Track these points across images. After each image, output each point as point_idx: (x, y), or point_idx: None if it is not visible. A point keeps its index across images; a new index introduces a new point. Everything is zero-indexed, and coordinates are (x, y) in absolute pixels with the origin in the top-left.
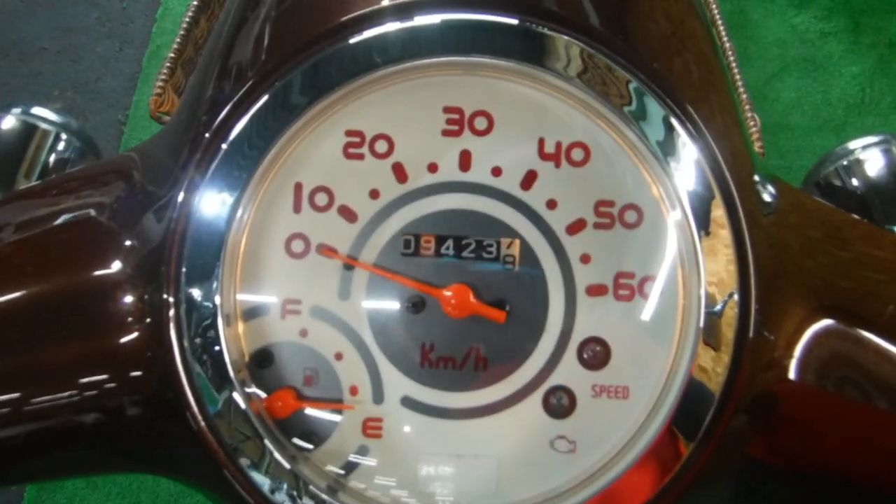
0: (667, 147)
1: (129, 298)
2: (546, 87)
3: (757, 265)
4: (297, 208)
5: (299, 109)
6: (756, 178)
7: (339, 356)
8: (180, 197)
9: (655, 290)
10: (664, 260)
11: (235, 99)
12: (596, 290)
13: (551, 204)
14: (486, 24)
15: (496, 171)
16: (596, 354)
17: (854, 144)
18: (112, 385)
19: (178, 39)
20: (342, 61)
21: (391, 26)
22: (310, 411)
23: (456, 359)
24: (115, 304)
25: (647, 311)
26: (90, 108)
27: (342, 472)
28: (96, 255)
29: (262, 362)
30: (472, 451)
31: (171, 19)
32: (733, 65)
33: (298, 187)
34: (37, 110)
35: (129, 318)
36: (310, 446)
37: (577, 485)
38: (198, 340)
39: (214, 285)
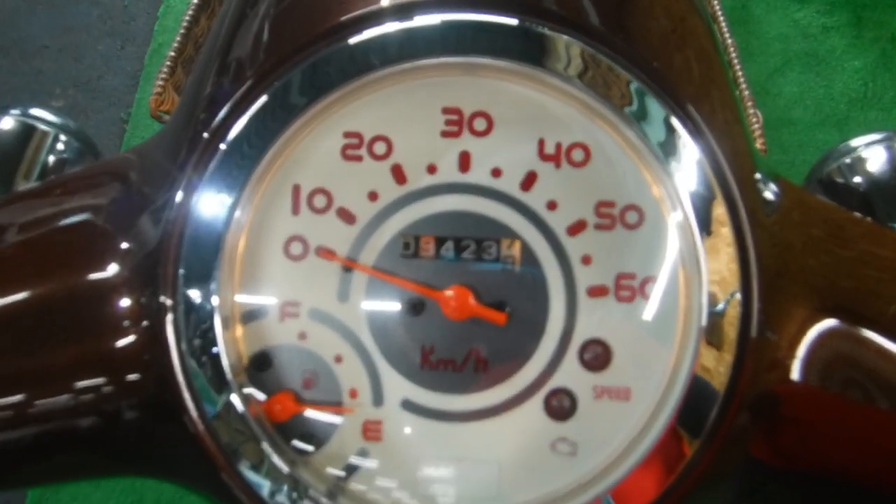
0: (668, 147)
1: (125, 301)
2: (546, 87)
3: (759, 264)
4: (295, 210)
5: (298, 110)
6: (758, 176)
7: (338, 359)
8: (178, 197)
9: (657, 291)
10: (665, 260)
11: (234, 98)
12: (597, 292)
13: (551, 205)
14: (485, 25)
15: (496, 172)
16: (597, 356)
17: (857, 142)
18: (109, 388)
19: (178, 38)
20: (341, 62)
21: (390, 26)
22: (309, 414)
23: (456, 361)
24: (112, 308)
25: (649, 312)
26: (92, 107)
27: (342, 475)
28: (92, 258)
29: (260, 365)
30: (473, 454)
31: (173, 17)
32: (735, 61)
33: (296, 189)
34: (35, 111)
35: (126, 322)
36: (310, 448)
37: (578, 487)
38: (196, 343)
39: (212, 287)
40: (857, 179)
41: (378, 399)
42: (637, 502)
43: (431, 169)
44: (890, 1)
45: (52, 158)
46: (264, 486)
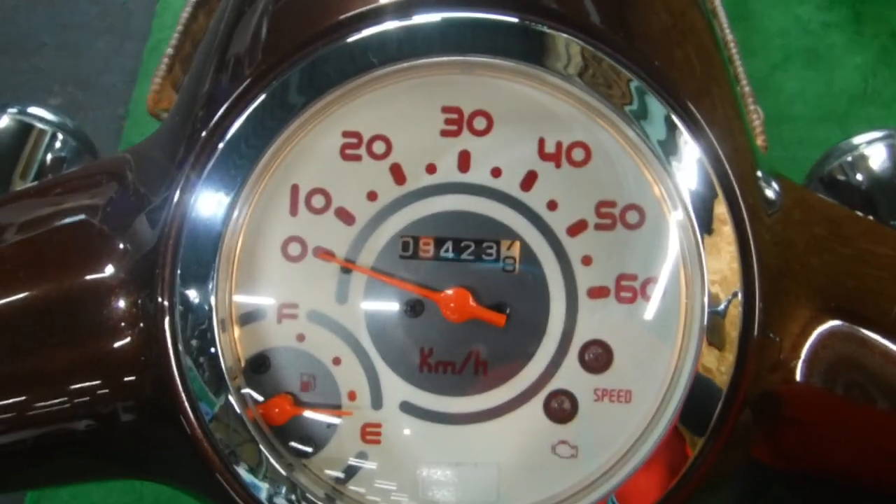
0: (668, 146)
1: (122, 303)
2: (546, 86)
3: (760, 263)
4: (293, 211)
5: (296, 109)
6: (759, 174)
7: (336, 361)
8: (175, 197)
9: (658, 292)
10: (666, 261)
11: (233, 97)
12: (597, 293)
13: (552, 205)
14: (485, 23)
15: (496, 172)
16: (598, 357)
17: (858, 140)
18: (105, 390)
19: (175, 35)
20: (340, 60)
21: (390, 25)
22: (307, 417)
23: (455, 363)
24: (109, 309)
25: (650, 313)
26: (91, 104)
27: (340, 479)
28: (89, 259)
29: (258, 367)
30: (473, 457)
31: (171, 13)
32: (736, 57)
33: (295, 189)
34: (33, 110)
35: (123, 323)
36: (309, 449)
37: (579, 490)
38: (193, 344)
39: (210, 289)
40: (859, 177)
41: (377, 402)
42: None
43: (431, 169)
44: None
45: (49, 157)
46: (262, 489)
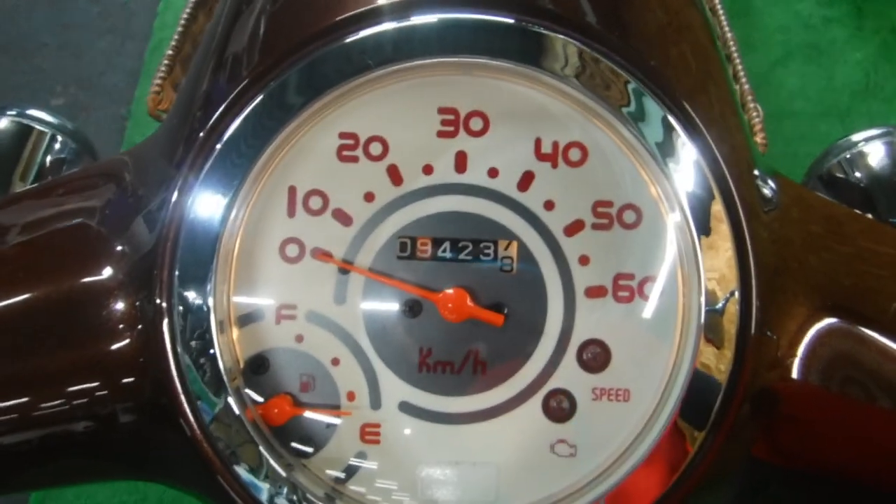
0: (666, 148)
1: (120, 305)
2: (542, 86)
3: (757, 261)
4: (291, 212)
5: (294, 109)
6: (756, 173)
7: (335, 361)
8: (174, 197)
9: (655, 291)
10: (664, 260)
11: (230, 98)
12: (595, 292)
13: (549, 205)
14: (482, 24)
15: (492, 173)
16: (596, 357)
17: (857, 137)
18: (104, 392)
19: (175, 36)
20: (338, 61)
21: (387, 26)
22: (306, 418)
23: (454, 363)
24: (107, 311)
25: (648, 312)
26: (93, 104)
27: (340, 479)
28: (87, 261)
29: (257, 368)
30: (472, 457)
31: (173, 13)
32: (735, 55)
33: (292, 191)
34: (32, 112)
35: (121, 325)
36: (308, 450)
37: (578, 489)
38: (192, 345)
39: (208, 290)
40: (858, 175)
41: (376, 402)
42: (640, 502)
43: (427, 169)
44: None
45: (49, 159)
46: (263, 489)
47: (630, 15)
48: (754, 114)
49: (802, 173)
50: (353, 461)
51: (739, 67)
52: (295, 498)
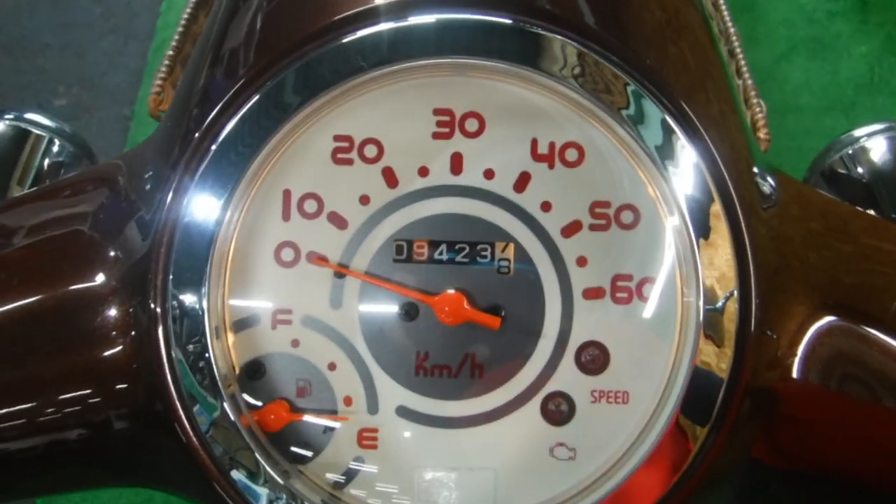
0: (665, 151)
1: (114, 311)
2: (538, 86)
3: (756, 259)
4: (285, 216)
5: (291, 109)
6: (755, 170)
7: (332, 366)
8: (169, 198)
9: (654, 292)
10: (662, 261)
11: (226, 98)
12: (593, 294)
13: (545, 206)
14: (480, 25)
15: (488, 174)
16: (594, 359)
17: (859, 132)
18: (97, 399)
19: (176, 37)
20: (335, 61)
21: (385, 26)
22: (303, 423)
23: (451, 366)
24: (100, 317)
25: (647, 313)
26: (96, 104)
27: (337, 484)
28: (79, 268)
29: (253, 374)
30: (470, 461)
31: (176, 13)
32: (738, 50)
33: (287, 194)
34: (30, 115)
35: (114, 332)
36: (308, 454)
37: (578, 492)
38: (187, 351)
39: (203, 295)
40: (860, 170)
41: (373, 406)
42: (642, 503)
43: (423, 171)
44: None
45: (47, 163)
46: (261, 496)
47: (628, 15)
48: (757, 109)
49: (807, 168)
50: (351, 466)
51: (742, 63)
52: None
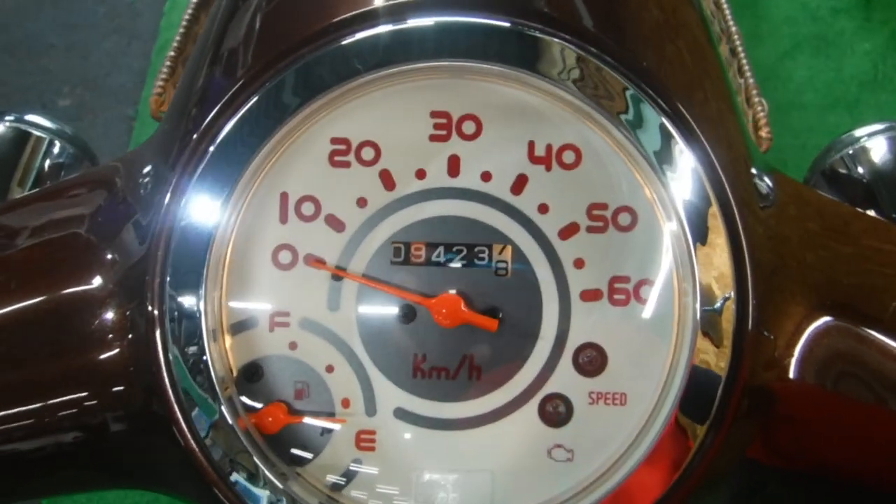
0: (663, 155)
1: (110, 314)
2: (535, 89)
3: (753, 259)
4: (283, 219)
5: (289, 112)
6: (753, 171)
7: (329, 368)
8: (167, 199)
9: (652, 294)
10: (660, 262)
11: (226, 98)
12: (591, 296)
13: (543, 208)
14: (479, 28)
15: (486, 176)
16: (592, 361)
17: (860, 132)
18: (93, 402)
19: (177, 38)
20: (335, 63)
21: (384, 28)
22: (301, 426)
23: (449, 368)
24: (97, 320)
25: (644, 315)
26: (100, 105)
27: (335, 486)
28: (75, 271)
29: (251, 376)
30: (468, 463)
31: (179, 13)
32: (740, 49)
33: (284, 197)
34: (30, 117)
35: (111, 334)
36: (308, 455)
37: (576, 494)
38: (184, 354)
39: (200, 298)
40: (861, 170)
41: (371, 408)
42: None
43: (420, 174)
44: None
45: (47, 165)
46: (261, 498)
47: (626, 15)
48: (759, 108)
49: (810, 165)
50: (349, 469)
51: (744, 62)
52: None
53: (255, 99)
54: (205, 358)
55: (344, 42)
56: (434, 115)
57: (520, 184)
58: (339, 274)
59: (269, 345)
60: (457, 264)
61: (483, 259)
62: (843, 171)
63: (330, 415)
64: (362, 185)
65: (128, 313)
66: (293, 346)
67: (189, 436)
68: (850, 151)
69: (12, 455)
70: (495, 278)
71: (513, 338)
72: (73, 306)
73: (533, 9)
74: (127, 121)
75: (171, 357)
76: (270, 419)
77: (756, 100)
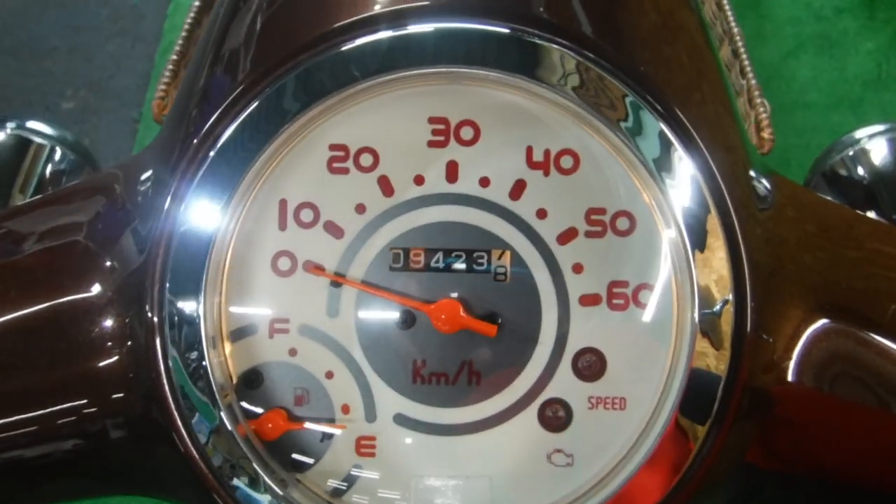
0: (662, 162)
1: (110, 321)
2: (533, 95)
3: (751, 261)
4: (282, 225)
5: (288, 117)
6: (752, 173)
7: (329, 375)
8: (167, 203)
9: (651, 299)
10: (658, 267)
11: (225, 104)
12: (589, 300)
13: (541, 213)
14: (478, 34)
15: (484, 182)
16: (591, 365)
17: (860, 133)
18: (93, 409)
19: (179, 41)
20: (335, 69)
21: (384, 34)
22: (301, 432)
23: (448, 374)
24: (96, 328)
25: (643, 320)
26: (103, 107)
27: (335, 492)
28: (74, 278)
29: (251, 383)
30: (468, 468)
31: (182, 15)
32: (742, 50)
33: (283, 203)
34: (31, 124)
35: (110, 342)
36: (309, 461)
37: (576, 498)
38: (184, 360)
39: (200, 304)
40: (861, 171)
41: (371, 414)
42: None
43: (419, 180)
44: None
45: (49, 171)
46: (261, 502)
47: (624, 20)
48: (761, 109)
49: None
50: (349, 474)
51: (746, 63)
52: None
53: (255, 104)
54: (204, 364)
55: (344, 48)
56: (432, 120)
57: (518, 189)
58: (338, 280)
59: (269, 351)
60: (455, 270)
61: (482, 264)
62: (843, 172)
63: (330, 421)
64: (361, 191)
65: (127, 320)
66: (293, 352)
67: (189, 442)
68: (851, 153)
69: (12, 462)
70: (494, 284)
71: (512, 343)
72: (73, 314)
73: (532, 15)
74: (130, 123)
75: (170, 364)
76: (270, 425)
77: (758, 101)
